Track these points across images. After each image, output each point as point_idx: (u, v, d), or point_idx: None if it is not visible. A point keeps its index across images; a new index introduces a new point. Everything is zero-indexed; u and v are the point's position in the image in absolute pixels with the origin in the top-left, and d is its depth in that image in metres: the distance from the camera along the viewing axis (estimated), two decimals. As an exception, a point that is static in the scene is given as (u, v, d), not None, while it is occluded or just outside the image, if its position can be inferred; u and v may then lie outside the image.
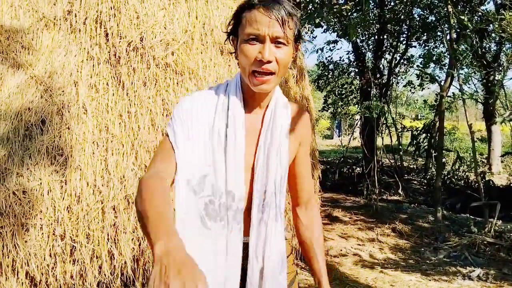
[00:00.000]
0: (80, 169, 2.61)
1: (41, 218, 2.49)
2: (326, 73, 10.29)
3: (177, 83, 2.94)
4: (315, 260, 1.32)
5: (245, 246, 1.14)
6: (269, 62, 1.04)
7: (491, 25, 5.80)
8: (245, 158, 1.12)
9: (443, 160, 7.33)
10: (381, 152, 8.99)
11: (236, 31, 1.12)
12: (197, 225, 1.07)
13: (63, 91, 2.77)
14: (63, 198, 2.54)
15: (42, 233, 2.49)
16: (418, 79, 8.87)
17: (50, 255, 2.50)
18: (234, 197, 1.08)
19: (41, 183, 2.52)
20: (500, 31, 4.92)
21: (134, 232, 2.66)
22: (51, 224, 2.51)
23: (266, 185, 1.13)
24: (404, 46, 9.60)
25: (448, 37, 5.46)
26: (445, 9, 5.45)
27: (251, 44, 1.05)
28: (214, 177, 1.08)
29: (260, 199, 1.13)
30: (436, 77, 8.97)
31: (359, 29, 7.99)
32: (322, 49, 9.74)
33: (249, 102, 1.17)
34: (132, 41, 2.90)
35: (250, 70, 1.06)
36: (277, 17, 1.02)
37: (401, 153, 8.95)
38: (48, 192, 2.52)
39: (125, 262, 2.62)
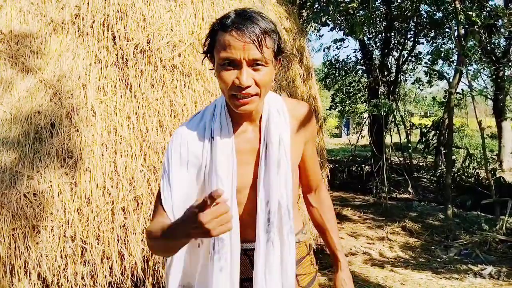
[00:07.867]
0: (90, 171, 2.63)
1: (51, 220, 2.52)
2: (334, 72, 10.24)
3: (184, 85, 2.96)
4: (330, 237, 1.34)
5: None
6: (248, 87, 0.98)
7: (500, 20, 5.73)
8: (245, 177, 1.12)
9: (453, 157, 7.26)
10: (390, 150, 8.92)
11: (212, 50, 1.06)
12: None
13: (71, 94, 2.80)
14: (73, 200, 2.57)
15: (53, 235, 2.52)
16: (426, 76, 8.79)
17: (61, 257, 2.53)
18: None
19: (51, 186, 2.55)
20: (510, 26, 4.87)
21: (143, 233, 2.68)
22: (62, 225, 2.53)
23: (270, 204, 1.10)
24: (411, 43, 9.53)
25: (456, 33, 5.41)
26: (453, 5, 5.40)
27: (227, 69, 0.99)
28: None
29: (265, 219, 1.10)
30: (445, 74, 8.90)
31: (365, 27, 7.94)
32: (329, 48, 9.69)
33: (239, 121, 1.12)
34: (139, 43, 2.92)
35: (230, 93, 1.02)
36: (251, 39, 0.96)
37: (410, 150, 8.89)
38: (58, 194, 2.55)
39: (135, 263, 2.64)
